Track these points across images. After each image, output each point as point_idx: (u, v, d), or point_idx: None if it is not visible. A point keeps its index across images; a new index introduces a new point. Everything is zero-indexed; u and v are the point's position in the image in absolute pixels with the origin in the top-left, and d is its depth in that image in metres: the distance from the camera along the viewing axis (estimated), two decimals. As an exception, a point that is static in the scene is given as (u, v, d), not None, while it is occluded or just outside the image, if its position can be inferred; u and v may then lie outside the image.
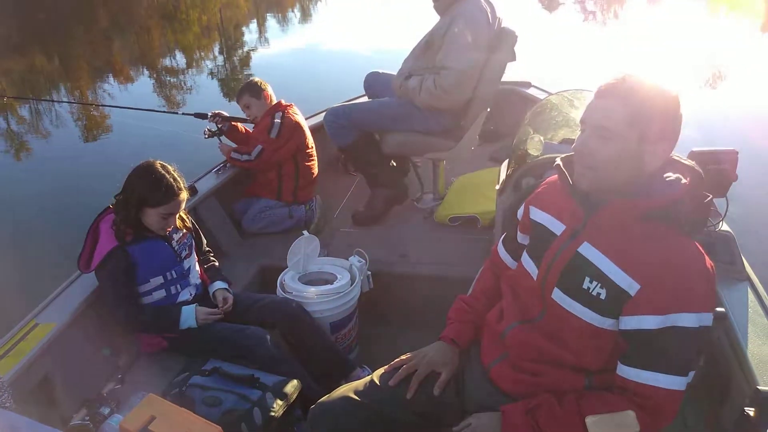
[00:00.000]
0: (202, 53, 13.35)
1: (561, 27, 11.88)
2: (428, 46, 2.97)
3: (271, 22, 16.82)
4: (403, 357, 1.56)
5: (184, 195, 2.13)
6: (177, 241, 2.20)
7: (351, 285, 2.40)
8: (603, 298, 1.22)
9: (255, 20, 17.11)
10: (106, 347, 2.22)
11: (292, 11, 18.62)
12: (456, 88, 2.87)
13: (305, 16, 17.84)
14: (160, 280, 2.15)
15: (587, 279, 1.24)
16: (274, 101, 3.21)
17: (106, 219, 2.14)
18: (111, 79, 10.76)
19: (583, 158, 1.24)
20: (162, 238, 2.16)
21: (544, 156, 2.08)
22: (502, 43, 2.95)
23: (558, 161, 1.36)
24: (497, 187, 2.25)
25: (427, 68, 2.95)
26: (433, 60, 2.92)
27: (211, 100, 8.70)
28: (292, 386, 1.93)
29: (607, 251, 1.23)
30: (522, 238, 1.53)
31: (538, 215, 1.43)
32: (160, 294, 2.16)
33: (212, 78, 10.79)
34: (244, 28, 15.67)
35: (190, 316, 2.13)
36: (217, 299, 2.25)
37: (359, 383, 1.53)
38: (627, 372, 1.21)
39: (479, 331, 1.57)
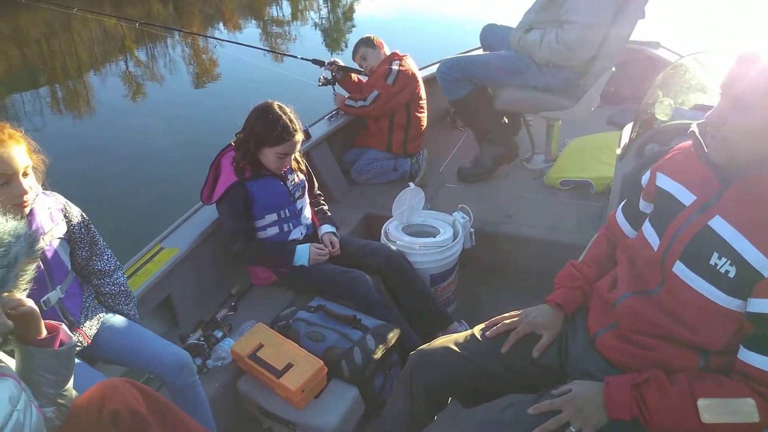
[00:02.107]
0: (307, 3, 13.44)
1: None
2: None
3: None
4: (505, 314, 1.55)
5: (299, 137, 2.19)
6: (291, 182, 2.29)
7: (453, 240, 2.40)
8: (731, 276, 1.14)
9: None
10: None
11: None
12: (580, 44, 2.72)
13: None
14: (274, 217, 2.25)
15: (715, 255, 1.17)
16: (389, 53, 3.22)
17: (227, 155, 2.26)
18: (221, 26, 11.15)
19: (715, 128, 1.14)
20: (278, 177, 2.25)
21: (673, 122, 1.95)
22: (635, -2, 2.75)
23: (693, 127, 1.26)
24: (618, 151, 2.14)
25: (549, 21, 2.81)
26: (557, 13, 2.77)
27: (314, 51, 8.85)
28: (391, 331, 1.99)
29: (742, 227, 1.14)
30: (645, 206, 1.45)
31: (665, 183, 1.34)
32: (274, 230, 2.27)
33: (316, 29, 10.93)
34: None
35: (303, 254, 2.23)
36: (325, 242, 2.34)
37: (459, 336, 1.55)
38: (751, 357, 1.13)
39: (588, 299, 1.53)
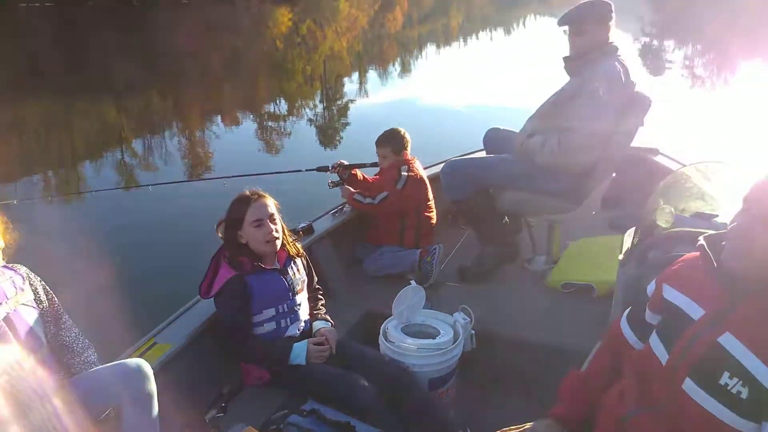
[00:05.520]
0: (304, 101, 13.91)
1: (671, 92, 10.98)
2: (555, 105, 2.92)
3: (372, 74, 17.07)
4: (510, 428, 1.48)
5: (265, 200, 2.24)
6: (292, 276, 2.28)
7: (454, 342, 2.34)
8: (744, 397, 1.10)
9: (357, 72, 17.42)
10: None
11: (393, 65, 18.71)
12: (581, 150, 2.78)
13: (405, 70, 17.73)
14: (272, 312, 2.22)
15: (726, 374, 1.12)
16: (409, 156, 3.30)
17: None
18: (219, 120, 11.43)
19: (740, 242, 1.13)
20: (278, 271, 2.24)
21: (674, 229, 1.95)
22: (636, 106, 2.84)
23: (701, 240, 1.26)
24: (620, 257, 2.12)
25: (551, 128, 2.89)
26: (559, 119, 2.86)
27: (309, 147, 9.26)
28: (388, 440, 1.89)
29: (754, 345, 1.11)
30: (651, 317, 1.42)
31: (673, 295, 1.32)
32: (271, 326, 2.22)
33: (311, 125, 11.26)
34: (345, 79, 15.97)
35: (300, 352, 2.17)
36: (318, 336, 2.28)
37: None
38: None
39: (594, 412, 1.46)
